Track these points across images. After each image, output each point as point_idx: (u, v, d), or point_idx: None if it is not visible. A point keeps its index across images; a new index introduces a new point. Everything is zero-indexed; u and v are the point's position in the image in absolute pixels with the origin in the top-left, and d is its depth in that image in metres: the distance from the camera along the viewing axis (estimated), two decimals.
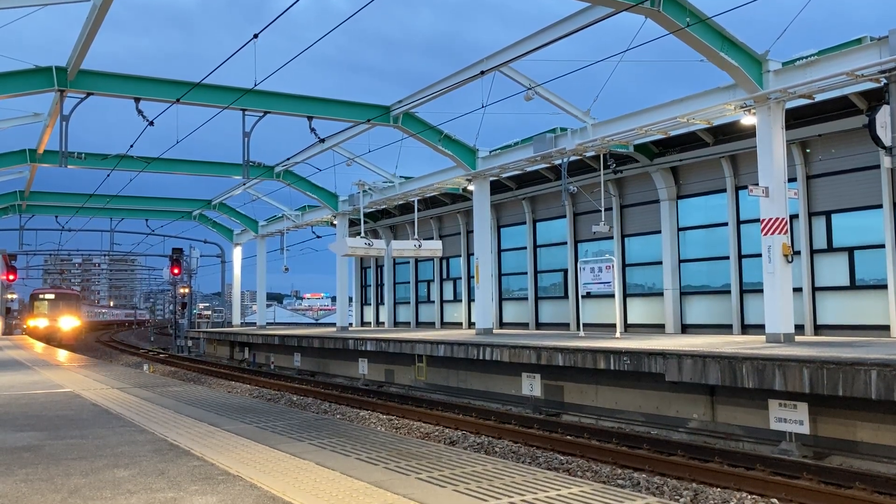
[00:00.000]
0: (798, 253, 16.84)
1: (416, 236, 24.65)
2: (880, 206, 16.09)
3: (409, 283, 33.09)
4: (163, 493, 4.03)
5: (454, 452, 5.11)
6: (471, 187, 22.54)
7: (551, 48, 15.27)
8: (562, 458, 11.47)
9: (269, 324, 47.29)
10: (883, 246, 16.02)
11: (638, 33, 13.65)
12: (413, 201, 26.11)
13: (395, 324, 34.17)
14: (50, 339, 42.31)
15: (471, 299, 27.91)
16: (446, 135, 21.00)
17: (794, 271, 14.53)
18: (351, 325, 34.07)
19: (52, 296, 49.08)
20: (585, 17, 14.16)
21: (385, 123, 19.99)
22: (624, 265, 22.09)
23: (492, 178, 22.41)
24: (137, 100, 16.93)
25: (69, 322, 47.21)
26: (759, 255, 14.82)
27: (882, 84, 12.86)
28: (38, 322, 46.18)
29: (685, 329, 20.42)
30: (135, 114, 16.93)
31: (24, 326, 49.57)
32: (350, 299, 35.93)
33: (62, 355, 17.52)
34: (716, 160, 19.34)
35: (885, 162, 12.99)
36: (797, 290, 16.09)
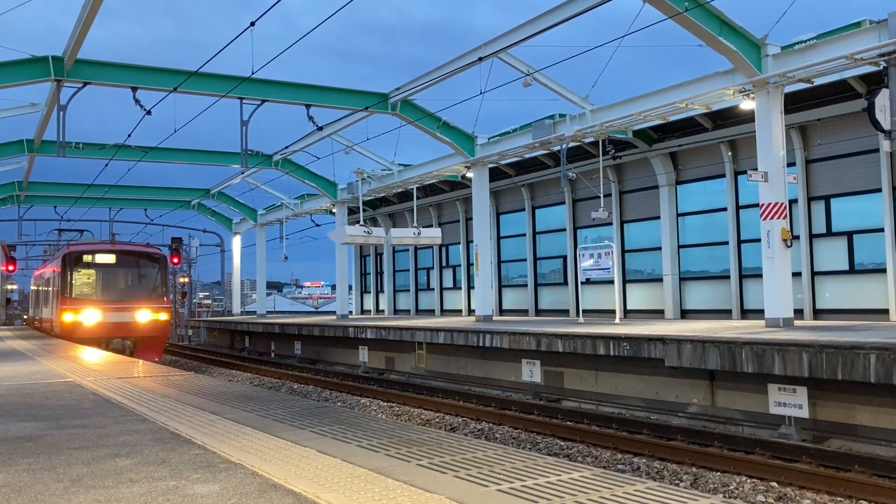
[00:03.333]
0: (797, 237, 16.84)
1: (415, 224, 24.64)
2: (879, 190, 16.08)
3: (408, 270, 33.10)
4: (165, 481, 4.04)
5: (455, 439, 5.13)
6: (470, 174, 22.52)
7: (549, 34, 15.21)
8: (562, 443, 11.52)
9: (269, 312, 47.32)
10: (882, 230, 16.02)
11: (636, 18, 13.60)
12: (412, 189, 26.09)
13: (395, 311, 34.20)
14: (109, 346, 21.60)
15: (470, 286, 27.93)
16: (445, 122, 20.96)
17: (793, 256, 14.53)
18: (351, 313, 34.12)
19: (110, 258, 24.08)
20: (584, 1, 14.09)
21: (383, 111, 19.94)
22: (623, 251, 22.10)
23: (491, 165, 22.37)
24: (135, 89, 16.89)
25: (146, 315, 23.48)
26: (759, 240, 14.82)
27: (881, 68, 12.82)
28: (83, 315, 22.72)
29: (685, 314, 20.46)
30: (132, 103, 16.90)
31: (59, 320, 23.36)
32: (350, 287, 35.95)
33: (64, 346, 17.52)
34: (715, 145, 19.31)
35: (885, 146, 12.96)
36: (796, 274, 16.10)
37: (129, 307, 23.36)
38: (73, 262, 23.61)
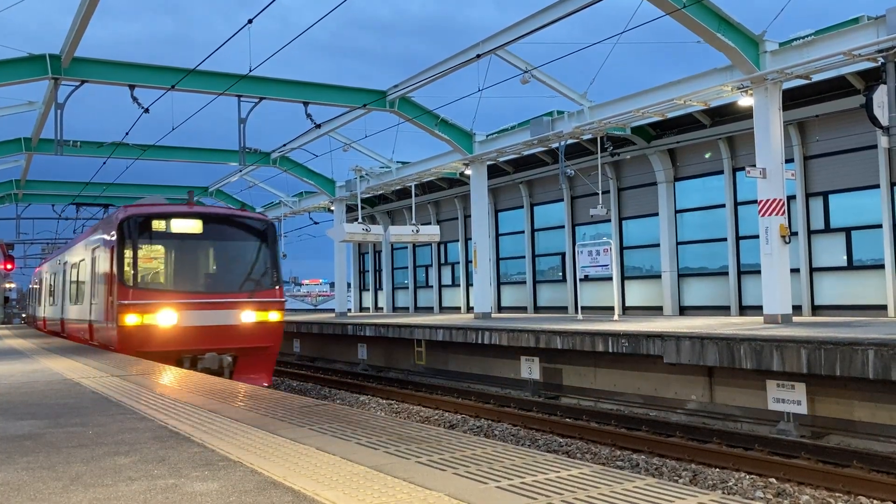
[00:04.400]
0: (795, 234, 16.86)
1: (413, 221, 24.63)
2: (877, 187, 16.09)
3: (407, 268, 33.09)
4: (164, 479, 4.04)
5: (454, 436, 5.13)
6: (468, 172, 22.51)
7: (547, 30, 15.21)
8: (561, 440, 11.53)
9: None
10: (880, 226, 16.03)
11: (634, 15, 13.60)
12: (410, 186, 26.07)
13: (394, 309, 34.20)
14: (199, 365, 13.85)
15: (469, 284, 27.93)
16: (443, 119, 20.94)
17: (791, 252, 14.55)
18: (350, 310, 34.12)
19: (194, 225, 14.75)
20: None
21: (381, 108, 19.92)
22: (622, 248, 22.10)
23: (489, 163, 22.36)
24: (132, 87, 16.86)
25: (251, 315, 14.62)
26: (757, 237, 14.82)
27: (879, 64, 12.83)
28: (160, 315, 13.82)
29: (683, 311, 20.47)
30: (130, 101, 16.87)
31: (119, 324, 13.79)
32: (348, 285, 35.94)
33: (63, 345, 17.46)
34: (713, 142, 19.31)
35: (883, 142, 12.98)
36: (795, 270, 16.11)
37: (228, 303, 14.64)
38: (136, 231, 14.52)
